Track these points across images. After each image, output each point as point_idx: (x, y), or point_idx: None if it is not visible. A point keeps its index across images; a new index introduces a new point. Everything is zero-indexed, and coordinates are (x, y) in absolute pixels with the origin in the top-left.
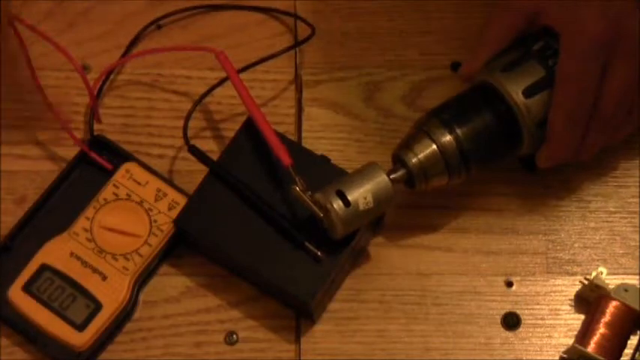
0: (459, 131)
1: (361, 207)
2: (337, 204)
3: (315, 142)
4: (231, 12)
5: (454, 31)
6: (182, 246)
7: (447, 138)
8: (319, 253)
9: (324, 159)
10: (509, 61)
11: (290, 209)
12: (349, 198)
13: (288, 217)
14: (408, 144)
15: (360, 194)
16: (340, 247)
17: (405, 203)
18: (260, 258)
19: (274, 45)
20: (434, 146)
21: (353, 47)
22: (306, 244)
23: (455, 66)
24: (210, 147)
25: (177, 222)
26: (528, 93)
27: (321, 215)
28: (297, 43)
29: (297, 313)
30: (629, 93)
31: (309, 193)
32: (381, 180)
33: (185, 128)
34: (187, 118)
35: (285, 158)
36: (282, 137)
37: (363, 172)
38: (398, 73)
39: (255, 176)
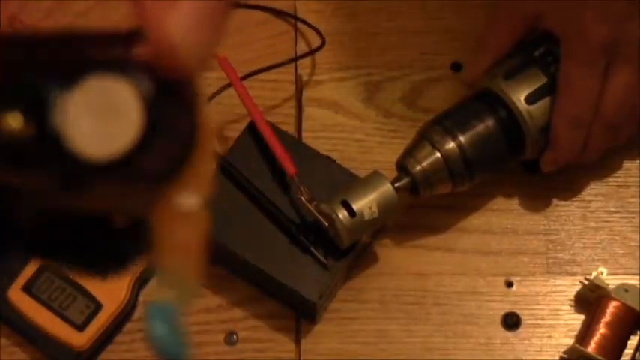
0: (462, 139)
1: (366, 217)
2: (342, 214)
3: (315, 142)
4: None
5: (454, 31)
6: None
7: (451, 146)
8: (325, 261)
9: (328, 159)
10: (511, 68)
11: (295, 211)
12: (354, 208)
13: (293, 219)
14: (412, 152)
15: (365, 204)
16: (346, 251)
17: (406, 203)
18: (266, 257)
19: (275, 45)
20: (437, 154)
21: (353, 47)
22: (312, 249)
23: (455, 66)
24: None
25: None
26: (531, 99)
27: (327, 225)
28: (308, 53)
29: (298, 313)
30: (630, 95)
31: (315, 203)
32: (385, 189)
33: None
34: None
35: (289, 167)
36: (285, 136)
37: (368, 182)
38: (398, 73)
39: (260, 177)
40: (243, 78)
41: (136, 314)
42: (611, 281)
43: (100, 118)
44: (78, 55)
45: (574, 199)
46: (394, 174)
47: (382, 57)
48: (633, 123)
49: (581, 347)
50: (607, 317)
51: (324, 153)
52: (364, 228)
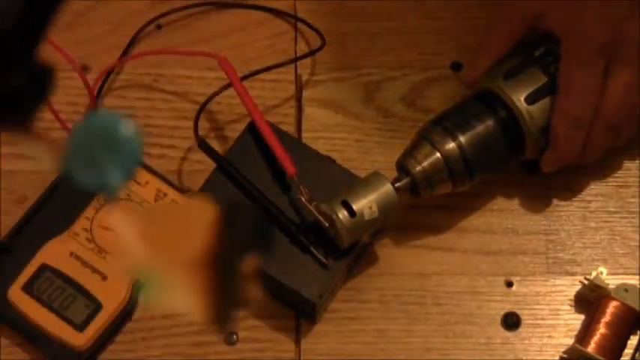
0: (462, 139)
1: (366, 217)
2: (342, 214)
3: (315, 142)
4: (232, 11)
5: (454, 31)
6: None
7: (451, 146)
8: (325, 261)
9: (328, 159)
10: (511, 68)
11: (295, 211)
12: (354, 208)
13: (293, 219)
14: (412, 152)
15: (365, 204)
16: (346, 251)
17: (406, 203)
18: (266, 256)
19: (275, 45)
20: (437, 154)
21: (353, 47)
22: (312, 249)
23: (455, 66)
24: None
25: None
26: (531, 99)
27: (327, 225)
28: (308, 53)
29: (298, 313)
30: (630, 96)
31: (315, 203)
32: (385, 189)
33: (197, 122)
34: (199, 113)
35: (289, 167)
36: (285, 136)
37: (368, 182)
38: (398, 73)
39: (260, 177)
40: (243, 78)
41: (136, 314)
42: (611, 281)
43: None
44: None
45: (574, 199)
46: (394, 174)
47: (382, 57)
48: (633, 123)
49: (581, 347)
50: (607, 317)
51: (324, 153)
52: (364, 228)
